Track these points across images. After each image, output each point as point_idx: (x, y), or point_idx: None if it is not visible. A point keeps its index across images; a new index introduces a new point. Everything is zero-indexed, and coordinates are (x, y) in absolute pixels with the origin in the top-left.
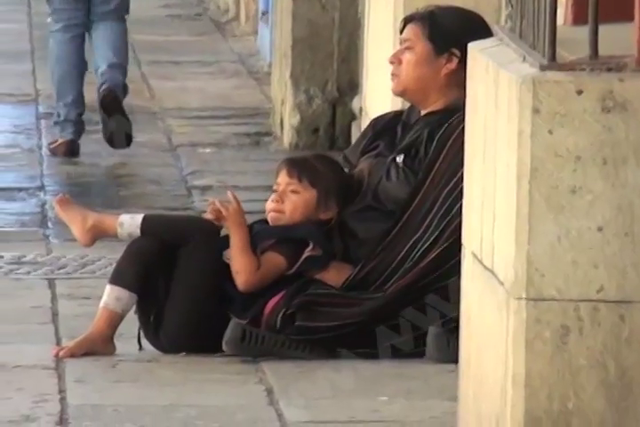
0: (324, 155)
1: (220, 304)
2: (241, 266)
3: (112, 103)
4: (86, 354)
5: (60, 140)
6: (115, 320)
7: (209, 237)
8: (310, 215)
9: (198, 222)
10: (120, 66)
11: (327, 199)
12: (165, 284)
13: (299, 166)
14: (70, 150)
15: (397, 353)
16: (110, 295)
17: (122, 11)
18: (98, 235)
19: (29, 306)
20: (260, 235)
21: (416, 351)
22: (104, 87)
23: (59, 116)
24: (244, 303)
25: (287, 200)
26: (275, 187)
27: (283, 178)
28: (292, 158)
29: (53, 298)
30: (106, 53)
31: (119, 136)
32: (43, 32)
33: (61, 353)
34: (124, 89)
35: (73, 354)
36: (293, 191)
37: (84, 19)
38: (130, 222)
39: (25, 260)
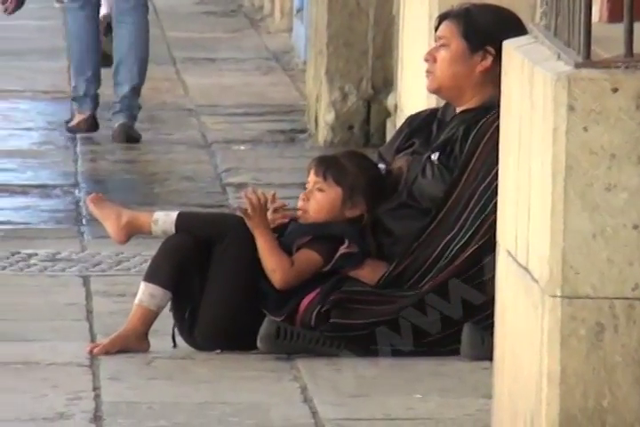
0: (355, 152)
1: (254, 301)
2: (274, 264)
3: (125, 138)
4: (120, 351)
5: (80, 117)
6: (149, 318)
7: (244, 233)
8: (336, 213)
9: (233, 219)
10: (139, 87)
11: (353, 197)
12: (200, 281)
13: (325, 164)
14: (92, 125)
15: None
16: (145, 292)
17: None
18: (132, 232)
19: (64, 303)
20: (296, 232)
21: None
22: (121, 122)
23: (77, 91)
24: (279, 300)
25: (312, 198)
26: (306, 186)
27: (311, 176)
28: (321, 156)
29: (88, 295)
30: (131, 68)
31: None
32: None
33: (96, 350)
34: (139, 110)
35: (107, 351)
36: (319, 189)
37: None
38: (164, 219)
39: (60, 257)
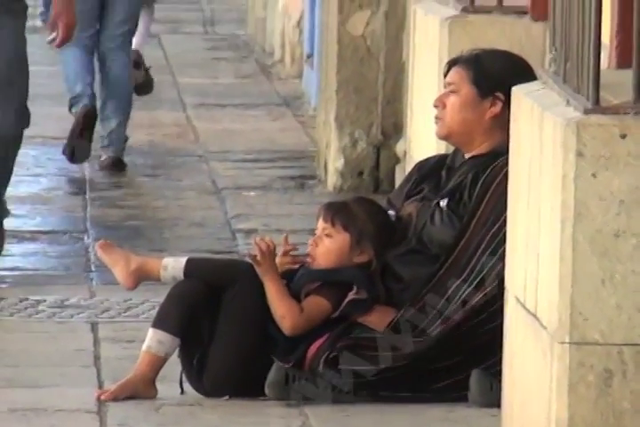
0: (364, 198)
1: (263, 348)
2: (284, 310)
3: (115, 169)
4: (128, 398)
5: (81, 111)
6: (157, 364)
7: (253, 280)
8: (344, 259)
9: (242, 265)
10: (126, 120)
11: (361, 242)
12: (209, 327)
13: (333, 210)
14: (92, 118)
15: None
16: (153, 339)
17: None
18: (141, 278)
19: (72, 349)
20: (305, 278)
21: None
22: (110, 155)
23: (73, 92)
24: (288, 347)
25: (321, 244)
26: (315, 231)
27: (320, 222)
28: (330, 203)
29: (96, 341)
30: (118, 103)
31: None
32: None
33: (104, 396)
34: (126, 141)
35: (115, 397)
36: (327, 235)
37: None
38: (173, 265)
39: (68, 303)
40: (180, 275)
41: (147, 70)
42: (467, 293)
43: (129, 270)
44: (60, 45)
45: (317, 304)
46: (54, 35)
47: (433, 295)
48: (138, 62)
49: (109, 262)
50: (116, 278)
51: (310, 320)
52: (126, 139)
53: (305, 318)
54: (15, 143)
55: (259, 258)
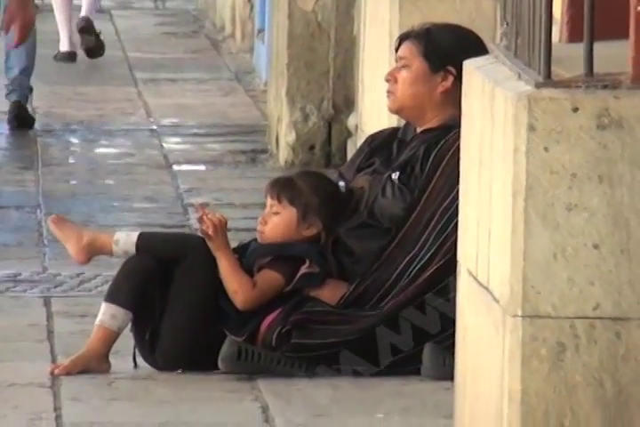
0: (309, 171)
1: (215, 322)
2: (236, 285)
3: (20, 118)
4: (82, 372)
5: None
6: (110, 338)
7: (204, 254)
8: (292, 233)
9: (194, 239)
10: (29, 69)
11: (308, 216)
12: (161, 302)
13: (278, 186)
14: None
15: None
16: (106, 313)
17: None
18: (93, 253)
19: (25, 324)
20: (257, 252)
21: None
22: (14, 100)
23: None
24: (240, 321)
25: (269, 221)
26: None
27: (267, 200)
28: (275, 179)
29: (49, 316)
30: (20, 53)
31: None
32: (38, 50)
33: (57, 371)
34: (30, 91)
35: (68, 372)
36: (275, 213)
37: None
38: (125, 240)
39: (21, 278)
40: (132, 249)
41: (97, 35)
42: (418, 267)
43: (81, 245)
44: (17, 47)
45: (270, 278)
46: (9, 35)
47: (384, 270)
48: (88, 27)
49: (61, 237)
50: (69, 253)
51: (263, 294)
52: (31, 88)
53: (257, 293)
54: None
55: (211, 233)
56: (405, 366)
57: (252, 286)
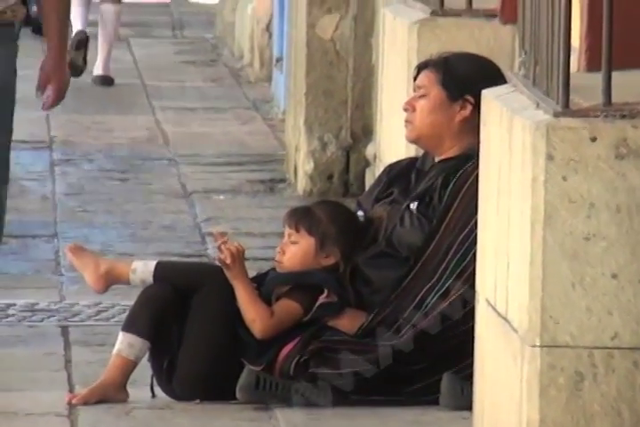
0: (328, 201)
1: (233, 351)
2: (254, 314)
3: None
4: (99, 401)
5: None
6: (128, 367)
7: (222, 283)
8: (310, 263)
9: (211, 268)
10: None
11: (326, 246)
12: (178, 331)
13: (297, 216)
14: None
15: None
16: (123, 342)
17: None
18: (111, 281)
19: (43, 353)
20: (275, 281)
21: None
22: None
23: None
24: (258, 350)
25: (287, 251)
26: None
27: (286, 229)
28: (293, 209)
29: (67, 345)
30: None
31: None
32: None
33: (74, 400)
34: None
35: (86, 401)
36: (293, 242)
37: None
38: (143, 269)
39: (38, 307)
40: (150, 278)
41: (84, 57)
42: (437, 296)
43: (98, 274)
44: (49, 109)
45: (288, 307)
46: (44, 97)
47: (402, 299)
48: (81, 43)
49: (79, 266)
50: (86, 282)
51: (281, 323)
52: None
53: (275, 322)
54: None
55: (228, 262)
56: (424, 395)
57: (269, 314)
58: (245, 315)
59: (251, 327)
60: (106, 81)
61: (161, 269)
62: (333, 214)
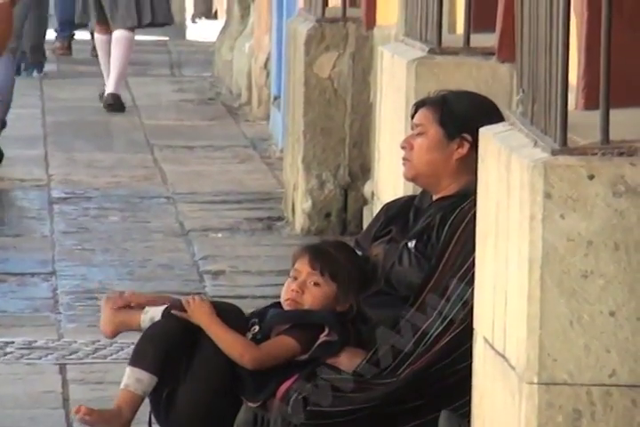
0: (344, 244)
1: (231, 387)
2: (240, 349)
3: None
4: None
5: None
6: (135, 402)
7: (225, 321)
8: (328, 307)
9: (219, 306)
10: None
11: (346, 294)
12: (186, 365)
13: (322, 258)
14: None
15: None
16: (131, 377)
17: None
18: (122, 328)
19: (40, 391)
20: (275, 319)
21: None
22: None
23: None
24: (255, 386)
25: (307, 292)
26: (293, 274)
27: (304, 267)
28: (314, 247)
29: (64, 383)
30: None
31: None
32: (56, 117)
33: (81, 411)
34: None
35: (88, 414)
36: (315, 284)
37: None
38: (155, 309)
39: (36, 345)
40: (159, 315)
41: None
42: (435, 334)
43: (114, 321)
44: None
45: (284, 342)
46: None
47: (400, 337)
48: (115, 104)
49: (104, 311)
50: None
51: (272, 356)
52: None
53: (264, 353)
54: None
55: (187, 309)
56: None
57: (254, 345)
58: (231, 353)
59: (241, 363)
60: (115, 102)
61: (170, 307)
62: (355, 262)
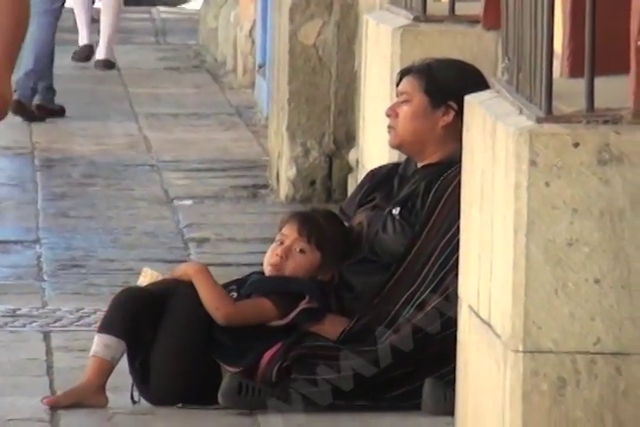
0: (334, 215)
1: (208, 351)
2: (217, 302)
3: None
4: (79, 406)
5: None
6: (105, 369)
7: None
8: (310, 275)
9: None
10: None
11: (331, 264)
12: (154, 332)
13: (311, 226)
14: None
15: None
16: (99, 344)
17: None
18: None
19: (24, 358)
20: (256, 285)
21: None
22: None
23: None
24: (236, 352)
25: (291, 258)
26: (279, 238)
27: (291, 232)
28: (304, 214)
29: (48, 351)
30: (28, 56)
31: None
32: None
33: (45, 400)
34: (49, 92)
35: (58, 403)
36: (301, 250)
37: None
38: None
39: (20, 312)
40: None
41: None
42: (419, 302)
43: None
44: None
45: (258, 303)
46: None
47: (384, 305)
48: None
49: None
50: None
51: (245, 314)
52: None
53: (239, 310)
54: None
55: (189, 273)
56: (405, 400)
57: (232, 302)
58: (208, 304)
59: (214, 316)
60: (107, 65)
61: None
62: (340, 233)
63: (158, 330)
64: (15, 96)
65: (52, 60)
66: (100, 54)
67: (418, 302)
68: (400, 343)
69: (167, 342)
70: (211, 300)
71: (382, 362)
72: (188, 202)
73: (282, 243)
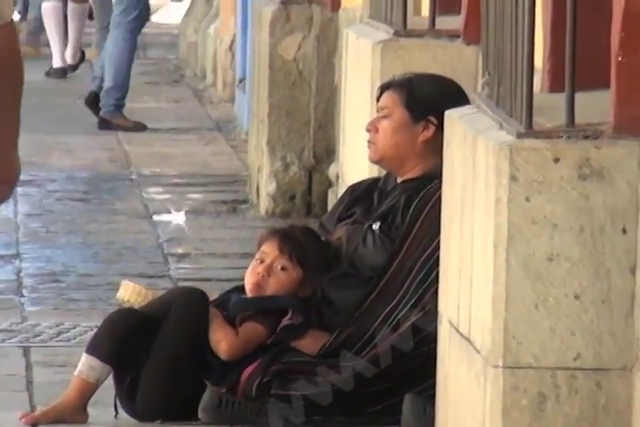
0: (312, 231)
1: (197, 372)
2: (220, 335)
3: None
4: (57, 422)
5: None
6: (87, 390)
7: (187, 306)
8: (292, 293)
9: (177, 291)
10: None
11: (311, 279)
12: (145, 354)
13: (291, 243)
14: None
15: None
16: (85, 364)
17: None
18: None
19: (4, 373)
20: (239, 306)
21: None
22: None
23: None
24: (221, 372)
25: (273, 276)
26: (260, 256)
27: (272, 250)
28: (284, 231)
29: (28, 366)
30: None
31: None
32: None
33: (24, 420)
34: (118, 108)
35: (37, 421)
36: (282, 268)
37: None
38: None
39: (0, 327)
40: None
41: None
42: (399, 317)
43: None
44: None
45: (254, 330)
46: None
47: (365, 319)
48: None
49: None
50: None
51: (247, 345)
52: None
53: (241, 343)
54: None
55: None
56: (386, 416)
57: (234, 335)
58: (212, 336)
59: (216, 349)
60: (63, 72)
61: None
62: (320, 249)
63: (150, 352)
64: (100, 114)
65: (128, 76)
66: (56, 63)
67: (399, 316)
68: (377, 359)
69: (158, 365)
70: (215, 332)
71: (361, 377)
72: (183, 217)
73: (262, 261)
